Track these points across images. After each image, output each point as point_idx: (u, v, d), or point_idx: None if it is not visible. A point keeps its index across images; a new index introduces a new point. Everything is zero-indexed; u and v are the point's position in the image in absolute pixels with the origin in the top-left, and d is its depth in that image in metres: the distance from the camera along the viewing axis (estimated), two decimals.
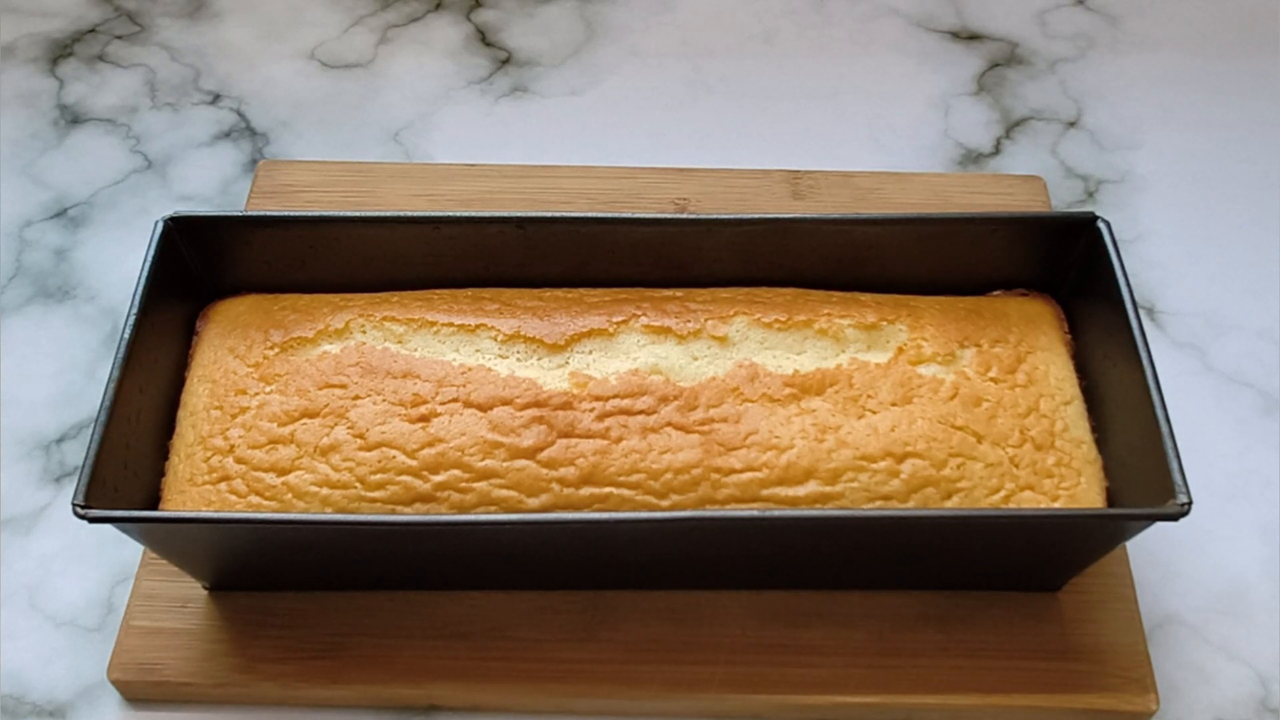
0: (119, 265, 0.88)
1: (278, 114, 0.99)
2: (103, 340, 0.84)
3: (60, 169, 0.95)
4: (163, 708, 0.69)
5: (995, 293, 0.75)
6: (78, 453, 0.79)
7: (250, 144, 0.97)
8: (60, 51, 1.03)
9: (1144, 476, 0.64)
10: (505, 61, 1.03)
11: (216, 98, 1.00)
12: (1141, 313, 0.70)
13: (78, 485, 0.61)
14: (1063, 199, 0.93)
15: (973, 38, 1.04)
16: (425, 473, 0.65)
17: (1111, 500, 0.66)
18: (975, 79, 1.01)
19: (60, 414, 0.81)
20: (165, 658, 0.68)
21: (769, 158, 0.92)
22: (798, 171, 0.90)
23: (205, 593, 0.70)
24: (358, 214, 0.73)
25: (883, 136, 0.97)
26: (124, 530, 0.64)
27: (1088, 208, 0.89)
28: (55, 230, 0.91)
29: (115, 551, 0.74)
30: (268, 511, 0.65)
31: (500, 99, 1.00)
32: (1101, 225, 0.70)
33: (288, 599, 0.70)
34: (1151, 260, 0.89)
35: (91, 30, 1.04)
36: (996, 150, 0.96)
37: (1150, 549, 0.73)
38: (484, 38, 1.05)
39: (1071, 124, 0.98)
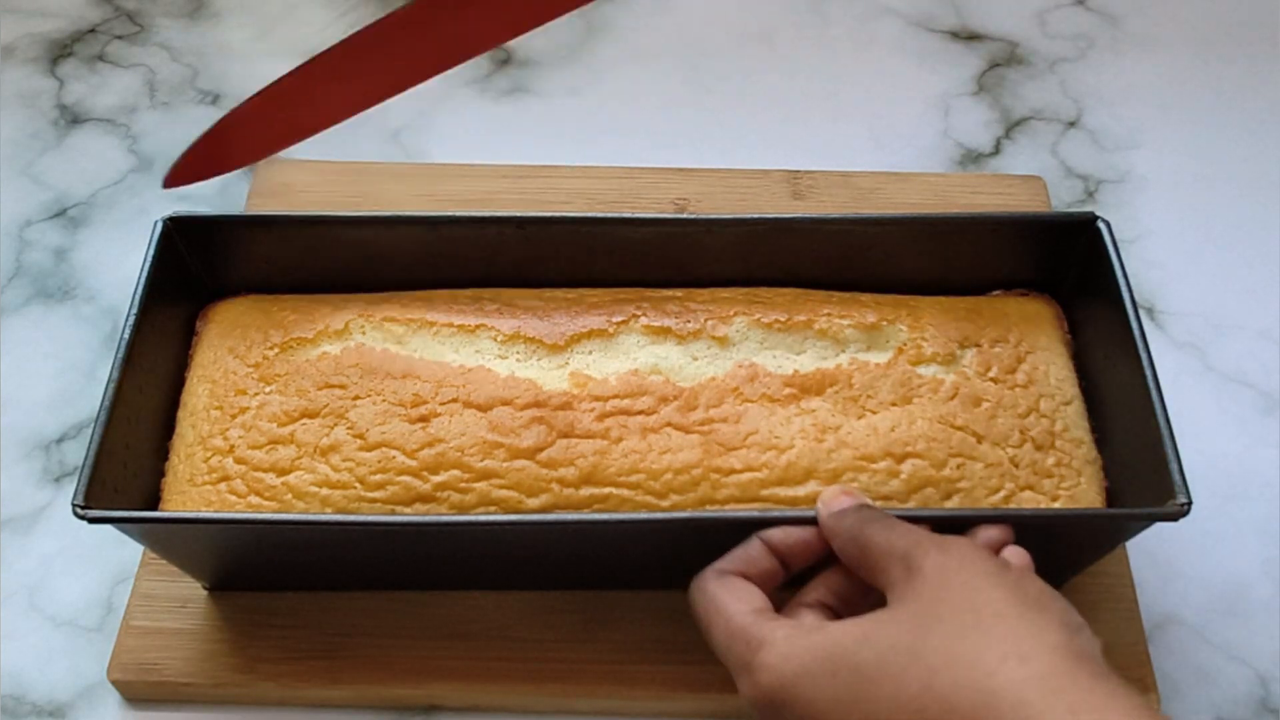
0: (119, 265, 0.88)
1: None
2: (103, 340, 0.84)
3: (60, 169, 0.95)
4: (163, 708, 0.69)
5: (995, 293, 0.75)
6: (78, 453, 0.79)
7: None
8: (60, 51, 1.03)
9: (1144, 476, 0.64)
10: (505, 61, 1.03)
11: (216, 98, 1.00)
12: (1141, 313, 0.70)
13: (78, 485, 0.61)
14: (1063, 199, 0.92)
15: (972, 38, 1.04)
16: (425, 473, 0.65)
17: (1111, 500, 0.66)
18: (975, 79, 1.01)
19: (60, 414, 0.81)
20: (165, 658, 0.68)
21: (769, 158, 0.92)
22: (797, 171, 0.90)
23: (205, 593, 0.70)
24: (358, 214, 0.73)
25: (883, 136, 0.97)
26: (124, 530, 0.64)
27: (1088, 208, 0.89)
28: (55, 230, 0.91)
29: (115, 551, 0.74)
30: (268, 511, 0.65)
31: (500, 99, 1.00)
32: (1101, 225, 0.70)
33: (288, 599, 0.70)
34: (1151, 260, 0.89)
35: (91, 30, 1.04)
36: (996, 150, 0.96)
37: (1150, 549, 0.73)
38: None
39: (1071, 124, 0.98)
